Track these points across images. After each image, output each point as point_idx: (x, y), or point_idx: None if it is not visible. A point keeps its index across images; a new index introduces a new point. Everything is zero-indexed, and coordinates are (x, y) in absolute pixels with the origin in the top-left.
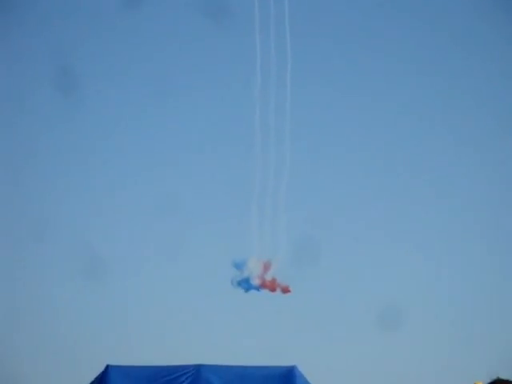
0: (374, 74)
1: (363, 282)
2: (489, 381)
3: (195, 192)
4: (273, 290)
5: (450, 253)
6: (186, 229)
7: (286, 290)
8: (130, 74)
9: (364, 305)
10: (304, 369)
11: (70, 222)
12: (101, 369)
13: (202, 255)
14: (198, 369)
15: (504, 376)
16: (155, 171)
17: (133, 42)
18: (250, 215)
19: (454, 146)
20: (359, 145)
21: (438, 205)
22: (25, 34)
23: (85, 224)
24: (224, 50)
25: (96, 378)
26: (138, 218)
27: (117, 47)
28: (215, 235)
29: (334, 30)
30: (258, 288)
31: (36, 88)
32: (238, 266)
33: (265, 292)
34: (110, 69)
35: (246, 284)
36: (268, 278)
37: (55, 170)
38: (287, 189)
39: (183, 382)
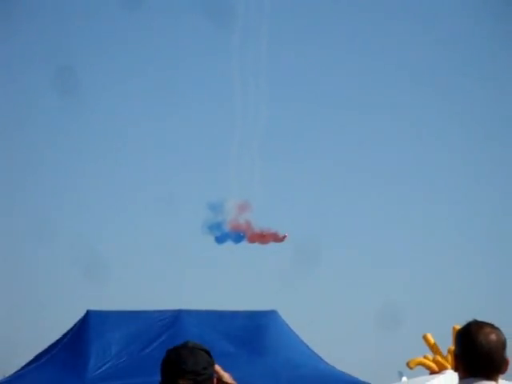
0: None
1: (344, 232)
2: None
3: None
4: (252, 238)
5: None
6: (169, 174)
7: (275, 238)
8: (131, 74)
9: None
10: (284, 314)
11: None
12: (81, 315)
13: (181, 198)
14: (177, 314)
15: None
16: (155, 169)
17: (134, 42)
18: (229, 158)
19: (452, 146)
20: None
21: (439, 204)
22: (25, 35)
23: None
24: (223, 51)
25: (76, 324)
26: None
27: (117, 47)
28: (194, 179)
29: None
30: (237, 238)
31: (37, 88)
32: (214, 207)
33: (245, 245)
34: (110, 69)
35: (217, 229)
36: (242, 220)
37: (55, 169)
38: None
39: (163, 325)
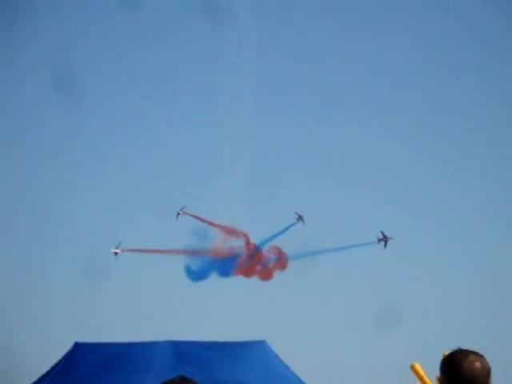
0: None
1: (328, 259)
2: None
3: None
4: (240, 270)
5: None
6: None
7: (263, 274)
8: (130, 74)
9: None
10: (273, 344)
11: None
12: (69, 346)
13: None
14: (168, 345)
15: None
16: (154, 167)
17: (133, 42)
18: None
19: (454, 144)
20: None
21: (439, 204)
22: (24, 34)
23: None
24: (222, 51)
25: (64, 356)
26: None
27: (117, 47)
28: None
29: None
30: (224, 271)
31: (38, 87)
32: (199, 234)
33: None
34: (109, 69)
35: (198, 264)
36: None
37: (54, 169)
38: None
39: (154, 357)
